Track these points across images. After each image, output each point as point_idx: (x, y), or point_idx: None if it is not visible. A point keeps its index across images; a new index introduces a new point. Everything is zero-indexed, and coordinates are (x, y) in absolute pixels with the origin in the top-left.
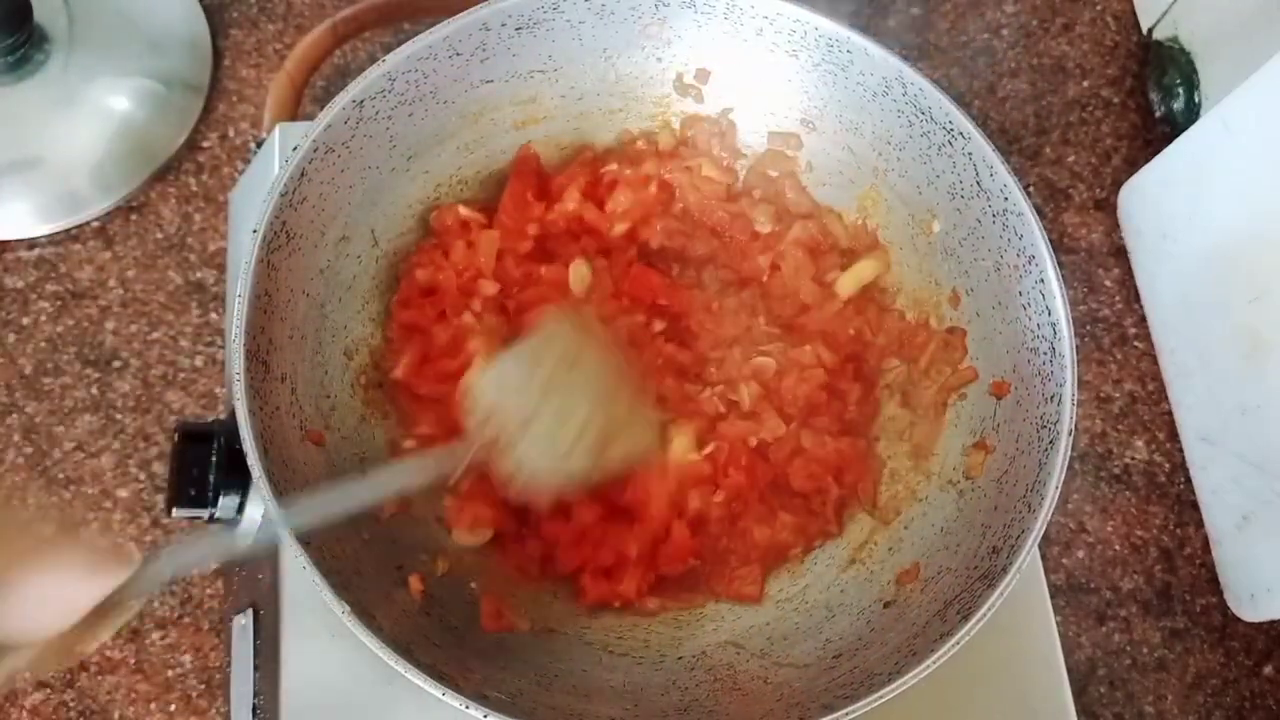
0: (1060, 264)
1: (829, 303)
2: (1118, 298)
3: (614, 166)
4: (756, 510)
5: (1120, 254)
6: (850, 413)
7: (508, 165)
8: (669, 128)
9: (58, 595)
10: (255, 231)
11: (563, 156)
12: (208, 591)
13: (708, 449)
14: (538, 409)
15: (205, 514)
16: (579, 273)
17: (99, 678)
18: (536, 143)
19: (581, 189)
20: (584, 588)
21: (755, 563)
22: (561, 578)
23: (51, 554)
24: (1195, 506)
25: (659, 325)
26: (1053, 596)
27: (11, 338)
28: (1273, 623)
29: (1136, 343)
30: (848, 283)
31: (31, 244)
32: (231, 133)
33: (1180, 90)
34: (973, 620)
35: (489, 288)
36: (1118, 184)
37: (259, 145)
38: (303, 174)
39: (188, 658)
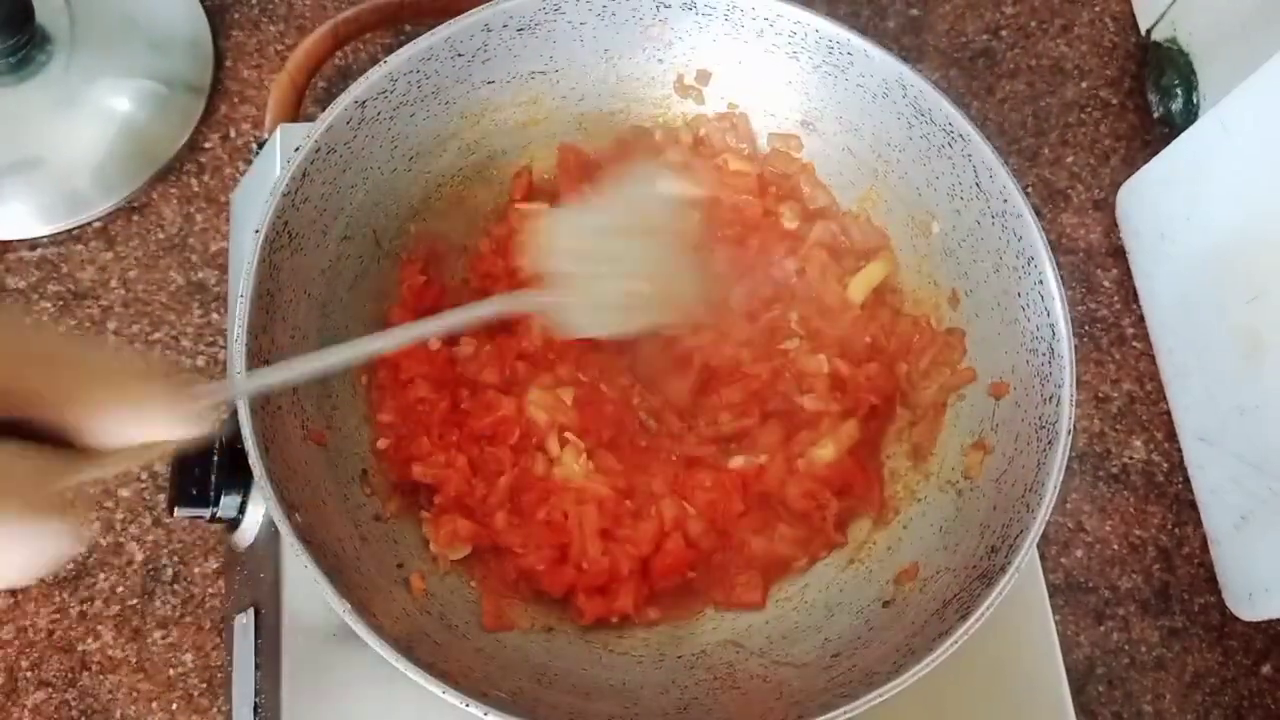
0: (1059, 264)
1: (848, 310)
2: (1116, 298)
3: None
4: (750, 521)
5: (1118, 254)
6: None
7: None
8: (686, 125)
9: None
10: (257, 232)
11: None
12: (209, 590)
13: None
14: (599, 255)
15: (207, 513)
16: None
17: (100, 677)
18: (536, 144)
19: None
20: (580, 608)
21: (755, 570)
22: (555, 600)
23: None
24: (1193, 506)
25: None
26: (1051, 596)
27: None
28: (1271, 622)
29: (1135, 343)
30: (858, 287)
31: (33, 244)
32: (233, 133)
33: (1179, 91)
34: (971, 619)
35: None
36: (1116, 185)
37: (260, 146)
38: (304, 174)
39: (189, 657)
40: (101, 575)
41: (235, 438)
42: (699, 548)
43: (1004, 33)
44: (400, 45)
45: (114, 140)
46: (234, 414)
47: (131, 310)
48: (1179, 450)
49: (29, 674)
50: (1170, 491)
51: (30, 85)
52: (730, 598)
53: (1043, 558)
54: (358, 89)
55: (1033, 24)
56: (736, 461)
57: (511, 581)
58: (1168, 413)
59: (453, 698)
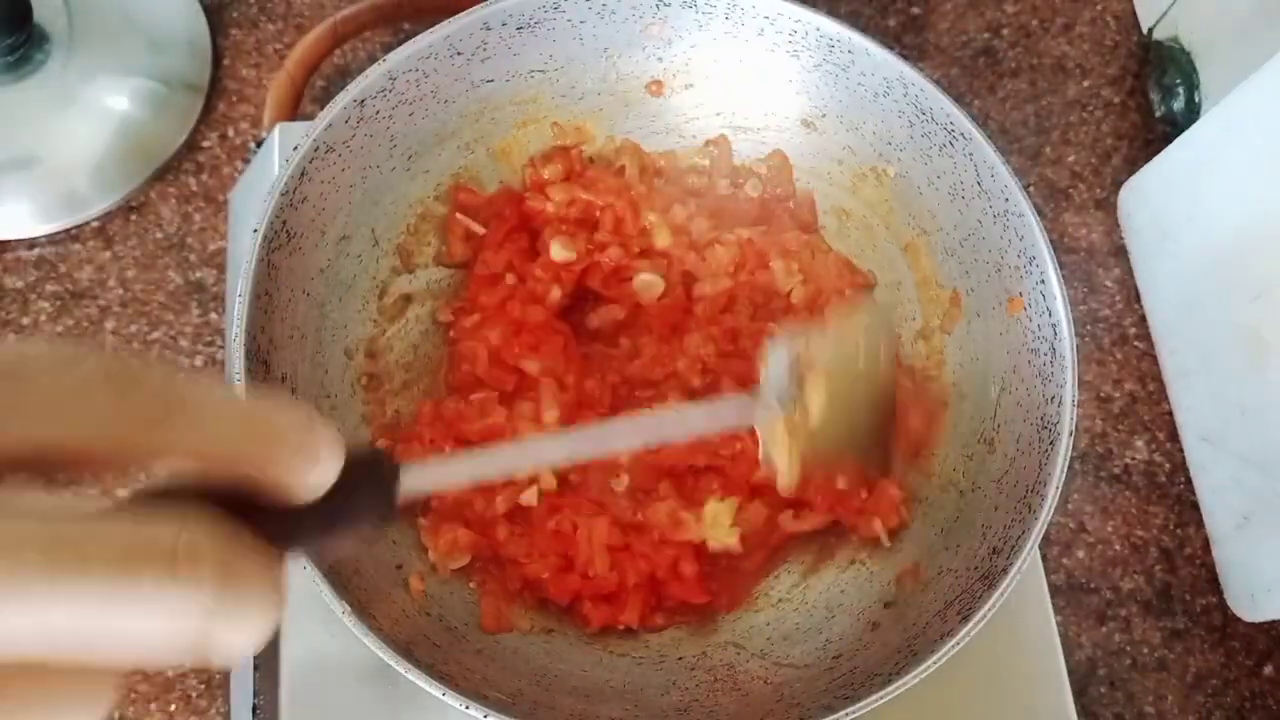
0: (1060, 264)
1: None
2: (1118, 297)
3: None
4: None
5: (1120, 254)
6: None
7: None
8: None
9: None
10: (256, 231)
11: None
12: None
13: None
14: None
15: None
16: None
17: None
18: (535, 143)
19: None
20: (586, 616)
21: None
22: (561, 608)
23: None
24: (1195, 506)
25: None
26: (1053, 596)
27: (11, 338)
28: (1273, 623)
29: (1137, 342)
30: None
31: (31, 244)
32: (231, 132)
33: (1180, 90)
34: (973, 621)
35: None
36: (1118, 184)
37: (259, 145)
38: (303, 173)
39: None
40: None
41: None
42: (706, 555)
43: (1005, 31)
44: (399, 44)
45: (112, 139)
46: None
47: (129, 310)
48: (1181, 450)
49: None
50: (1172, 492)
51: (28, 84)
52: (741, 600)
53: (1044, 558)
54: (356, 88)
55: (1034, 23)
56: None
57: (515, 589)
58: (1170, 413)
59: (452, 699)
